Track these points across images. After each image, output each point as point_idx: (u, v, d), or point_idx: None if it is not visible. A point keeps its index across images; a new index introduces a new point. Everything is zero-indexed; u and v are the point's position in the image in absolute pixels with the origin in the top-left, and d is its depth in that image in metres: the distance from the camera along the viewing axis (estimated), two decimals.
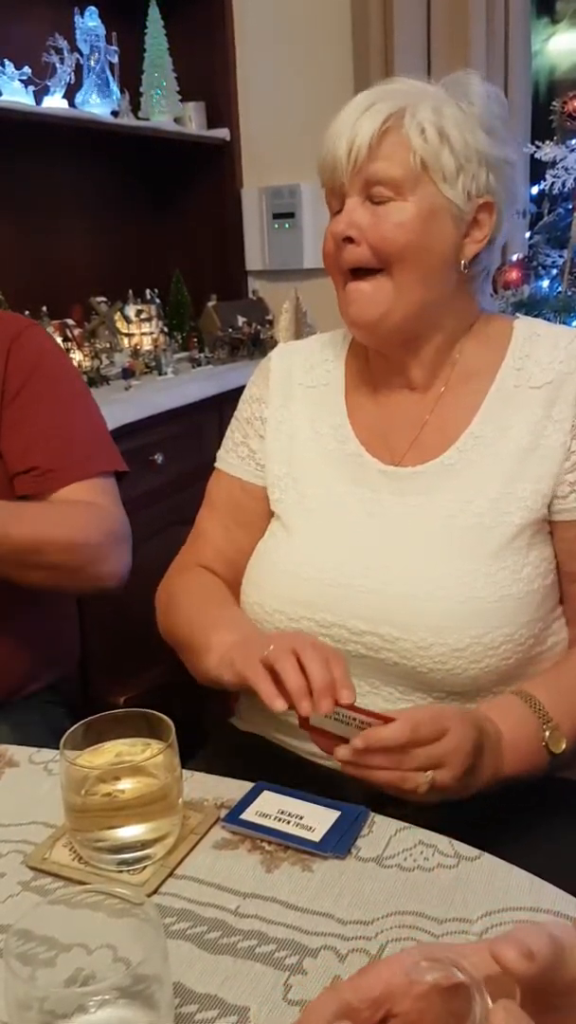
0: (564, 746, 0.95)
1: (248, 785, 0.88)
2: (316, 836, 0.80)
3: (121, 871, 0.76)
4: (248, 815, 0.83)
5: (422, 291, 1.03)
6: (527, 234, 2.48)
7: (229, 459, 1.21)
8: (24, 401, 1.24)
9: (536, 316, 2.27)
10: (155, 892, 0.74)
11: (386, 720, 0.83)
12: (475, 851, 0.77)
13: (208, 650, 1.02)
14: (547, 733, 0.95)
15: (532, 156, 2.31)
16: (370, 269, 1.03)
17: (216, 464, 1.23)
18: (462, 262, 1.05)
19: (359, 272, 1.04)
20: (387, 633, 0.99)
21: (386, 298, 1.03)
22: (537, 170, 2.43)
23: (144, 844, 0.76)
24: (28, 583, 1.18)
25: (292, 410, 1.17)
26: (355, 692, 0.85)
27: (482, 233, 1.05)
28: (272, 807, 0.84)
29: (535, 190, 2.41)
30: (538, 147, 2.28)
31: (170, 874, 0.76)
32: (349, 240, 1.02)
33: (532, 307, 2.30)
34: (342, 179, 1.02)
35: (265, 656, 0.89)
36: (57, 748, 0.94)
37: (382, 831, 0.81)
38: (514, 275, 2.36)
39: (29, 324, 1.31)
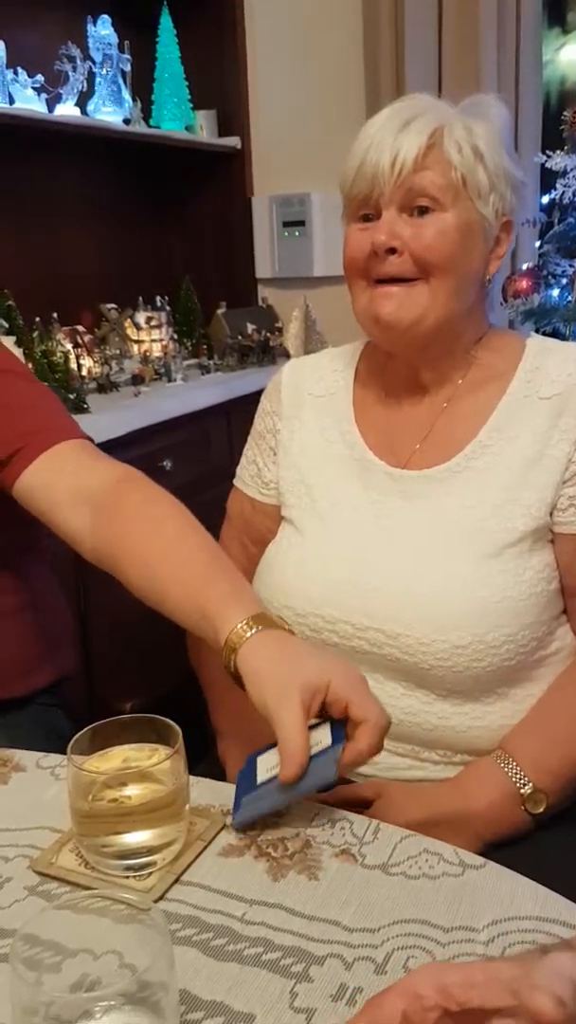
0: (543, 807, 0.96)
1: None
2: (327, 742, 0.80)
3: (127, 876, 0.76)
4: (249, 797, 0.81)
5: (455, 301, 1.05)
6: (537, 243, 2.48)
7: (243, 476, 1.25)
8: None
9: (546, 325, 2.29)
10: (161, 898, 0.74)
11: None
12: (480, 860, 0.77)
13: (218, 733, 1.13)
14: (525, 793, 0.96)
15: (542, 166, 2.32)
16: (405, 279, 1.04)
17: (234, 480, 1.26)
18: (487, 277, 1.08)
19: (390, 280, 1.05)
20: (390, 629, 1.01)
21: (421, 303, 1.04)
22: (547, 180, 2.44)
23: (150, 850, 0.76)
24: None
25: (303, 419, 1.19)
26: None
27: (502, 250, 1.08)
28: (263, 771, 0.82)
29: (545, 200, 2.42)
30: (548, 156, 2.29)
31: (176, 880, 0.76)
32: (391, 251, 1.03)
33: (542, 316, 2.30)
34: (382, 189, 1.02)
35: None
36: (52, 751, 0.95)
37: (387, 838, 0.80)
38: (524, 284, 2.36)
39: None
